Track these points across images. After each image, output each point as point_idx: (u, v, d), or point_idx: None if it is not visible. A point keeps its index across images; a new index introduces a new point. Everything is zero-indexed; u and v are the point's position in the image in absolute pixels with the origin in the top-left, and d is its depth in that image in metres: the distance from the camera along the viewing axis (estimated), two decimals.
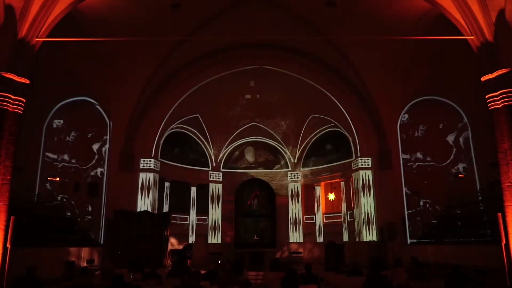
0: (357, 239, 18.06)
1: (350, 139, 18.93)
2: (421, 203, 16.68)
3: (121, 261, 14.49)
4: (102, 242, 16.05)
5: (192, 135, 20.85)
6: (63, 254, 13.04)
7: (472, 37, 10.19)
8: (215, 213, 21.09)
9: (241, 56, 18.26)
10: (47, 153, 16.52)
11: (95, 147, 17.06)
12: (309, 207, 21.35)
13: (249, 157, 22.28)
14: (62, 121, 16.87)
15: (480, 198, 14.21)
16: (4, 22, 9.63)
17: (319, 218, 20.92)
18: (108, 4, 13.28)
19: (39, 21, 10.02)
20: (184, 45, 16.57)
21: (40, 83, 13.29)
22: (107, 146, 17.12)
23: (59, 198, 15.85)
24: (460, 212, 14.53)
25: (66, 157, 16.70)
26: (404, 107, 17.60)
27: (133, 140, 17.60)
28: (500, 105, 9.65)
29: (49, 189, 15.96)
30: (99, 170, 16.89)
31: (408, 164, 17.40)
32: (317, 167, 21.25)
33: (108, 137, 17.18)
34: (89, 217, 15.90)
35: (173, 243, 18.94)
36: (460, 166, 16.91)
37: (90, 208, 15.97)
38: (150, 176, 17.95)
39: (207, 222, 20.88)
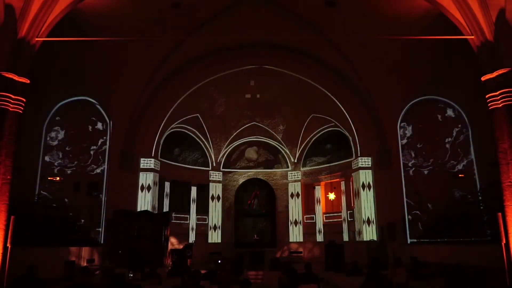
0: (357, 239, 18.07)
1: (350, 138, 18.93)
2: (421, 203, 16.67)
3: (121, 260, 14.52)
4: (102, 242, 16.05)
5: (192, 135, 20.85)
6: (63, 253, 13.06)
7: (472, 37, 10.18)
8: (215, 213, 21.09)
9: (241, 56, 18.24)
10: (47, 153, 16.50)
11: (95, 146, 17.04)
12: (309, 207, 21.35)
13: (252, 155, 22.20)
14: (62, 121, 16.84)
15: (480, 198, 14.20)
16: (4, 21, 9.63)
17: (319, 218, 20.92)
18: (108, 4, 13.27)
19: (39, 20, 10.02)
20: (184, 45, 16.56)
21: (40, 83, 13.30)
22: (107, 145, 17.11)
23: (59, 198, 15.82)
24: (460, 211, 14.52)
25: (66, 156, 16.68)
26: (404, 107, 17.60)
27: (133, 139, 17.61)
28: (500, 105, 9.65)
29: (49, 188, 15.94)
30: (99, 169, 16.88)
31: (408, 163, 17.40)
32: (317, 167, 21.25)
33: (108, 136, 17.17)
34: (89, 216, 15.88)
35: (173, 242, 18.95)
36: (460, 166, 16.90)
37: (90, 208, 15.95)
38: (150, 175, 17.96)
39: (207, 222, 20.89)
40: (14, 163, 9.41)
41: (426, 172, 17.23)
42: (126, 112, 17.21)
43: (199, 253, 18.61)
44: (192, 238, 19.88)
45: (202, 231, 20.55)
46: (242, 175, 22.02)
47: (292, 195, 21.54)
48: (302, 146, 21.45)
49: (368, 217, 17.56)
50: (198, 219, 20.67)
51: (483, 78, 10.06)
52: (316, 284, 7.43)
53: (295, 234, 21.00)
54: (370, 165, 18.10)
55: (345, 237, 19.31)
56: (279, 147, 22.03)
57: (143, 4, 14.09)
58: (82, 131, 17.01)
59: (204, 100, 19.62)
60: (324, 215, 20.94)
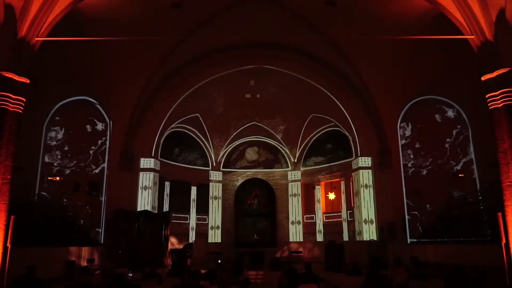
0: (357, 239, 18.07)
1: (350, 138, 18.93)
2: (421, 203, 16.67)
3: (121, 260, 14.53)
4: (102, 242, 16.06)
5: (192, 135, 20.84)
6: (63, 253, 13.05)
7: (472, 37, 10.18)
8: (215, 213, 21.08)
9: (241, 56, 18.23)
10: (47, 153, 16.52)
11: (95, 146, 17.07)
12: (309, 207, 21.35)
13: (253, 156, 22.19)
14: (62, 121, 16.87)
15: (480, 197, 14.21)
16: (4, 21, 9.63)
17: (319, 218, 20.91)
18: (109, 4, 13.27)
19: (39, 20, 10.02)
20: (184, 45, 16.56)
21: (40, 83, 13.31)
22: (107, 145, 17.13)
23: (59, 198, 15.83)
24: (460, 211, 14.53)
25: (66, 156, 16.70)
26: (404, 107, 17.61)
27: (133, 139, 17.60)
28: (500, 105, 9.64)
29: (49, 188, 15.94)
30: (99, 169, 16.89)
31: (408, 163, 17.41)
32: (317, 167, 21.24)
33: (108, 136, 17.19)
34: (89, 216, 15.89)
35: (173, 242, 18.95)
36: (460, 166, 16.91)
37: (90, 208, 15.97)
38: (150, 175, 17.94)
39: (207, 222, 20.88)
40: (14, 163, 9.41)
41: (426, 172, 17.24)
42: (126, 112, 17.20)
43: (199, 253, 18.61)
44: (192, 238, 19.88)
45: (202, 231, 20.54)
46: (242, 175, 22.02)
47: (292, 195, 21.53)
48: (302, 146, 21.45)
49: (368, 217, 17.56)
50: (198, 219, 20.66)
51: (483, 78, 10.05)
52: (316, 284, 7.42)
53: (295, 234, 20.99)
54: (370, 165, 18.09)
55: (345, 237, 19.31)
56: (279, 147, 22.03)
57: (143, 4, 14.10)
58: (82, 131, 17.04)
59: (204, 100, 19.61)
60: (324, 215, 20.94)
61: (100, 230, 16.21)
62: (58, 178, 16.09)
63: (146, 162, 17.99)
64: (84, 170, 16.72)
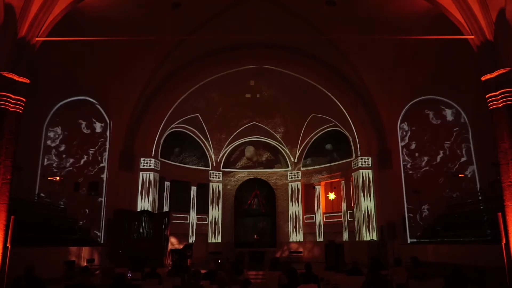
0: (357, 239, 18.07)
1: (350, 138, 18.93)
2: (421, 203, 16.66)
3: (121, 260, 14.53)
4: (102, 242, 16.05)
5: (192, 135, 20.85)
6: (63, 253, 13.04)
7: (472, 37, 10.17)
8: (215, 213, 21.09)
9: (241, 56, 18.25)
10: (46, 153, 16.52)
11: (95, 146, 17.06)
12: (309, 207, 21.35)
13: (250, 156, 22.26)
14: (61, 121, 16.87)
15: (480, 197, 14.20)
16: (4, 21, 9.62)
17: (319, 218, 20.92)
18: (108, 4, 13.28)
19: (39, 20, 10.01)
20: (184, 45, 16.57)
21: (40, 83, 13.30)
22: (107, 145, 17.12)
23: (58, 198, 15.82)
24: (460, 211, 14.52)
25: (66, 156, 16.70)
26: (404, 107, 17.62)
27: (133, 139, 17.62)
28: (500, 105, 9.63)
29: (48, 188, 15.93)
30: (99, 169, 16.88)
31: (408, 163, 17.41)
32: (317, 167, 21.25)
33: (108, 136, 17.18)
34: (89, 216, 15.89)
35: (173, 242, 18.96)
36: (460, 166, 16.90)
37: (90, 208, 15.96)
38: (150, 175, 17.95)
39: (207, 222, 20.89)
40: (14, 163, 9.40)
41: (425, 172, 17.23)
42: (126, 112, 17.21)
43: (199, 253, 18.62)
44: (192, 238, 19.89)
45: (202, 231, 20.55)
46: (242, 175, 22.02)
47: (292, 195, 21.54)
48: (302, 146, 21.45)
49: (368, 217, 17.56)
50: (198, 219, 20.67)
51: (483, 78, 10.04)
52: (316, 284, 7.41)
53: (295, 234, 21.00)
54: (370, 165, 18.09)
55: (345, 237, 19.31)
56: (279, 147, 22.03)
57: (143, 4, 14.10)
58: (82, 131, 17.04)
59: (204, 100, 19.62)
60: (324, 215, 20.94)
61: (100, 230, 16.20)
62: (58, 178, 16.09)
63: (146, 162, 18.00)
64: (83, 170, 16.72)
